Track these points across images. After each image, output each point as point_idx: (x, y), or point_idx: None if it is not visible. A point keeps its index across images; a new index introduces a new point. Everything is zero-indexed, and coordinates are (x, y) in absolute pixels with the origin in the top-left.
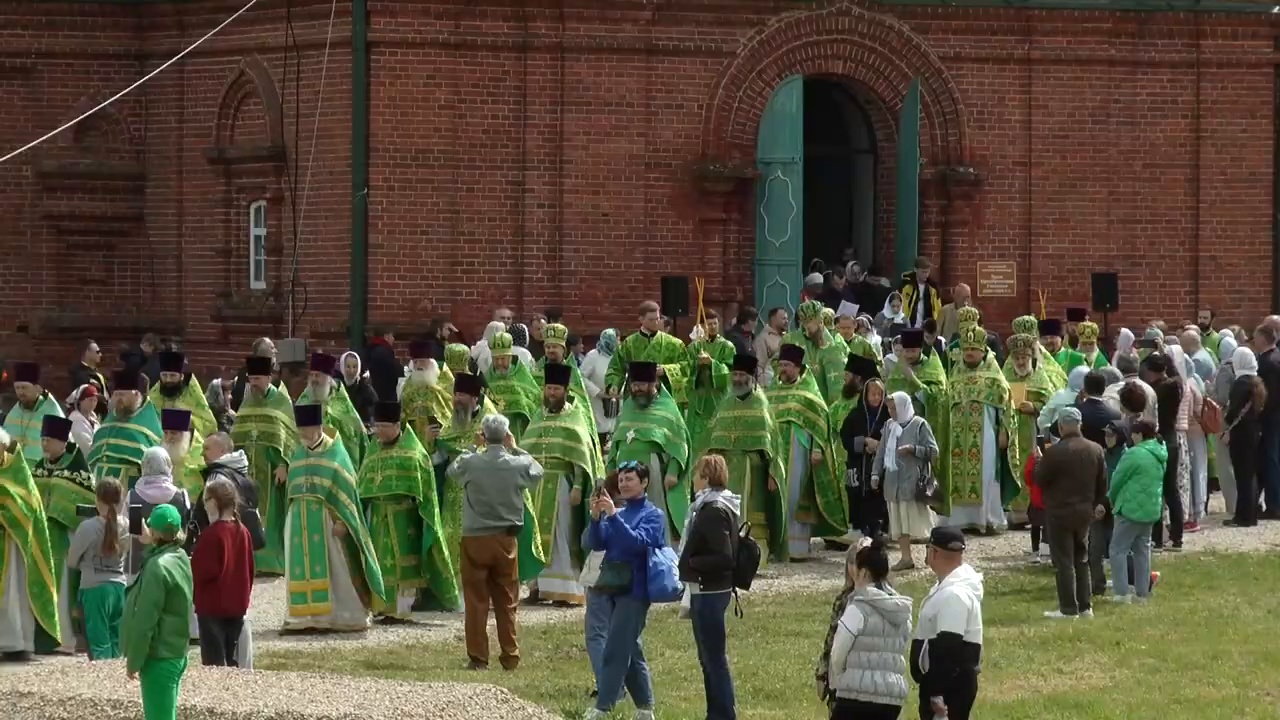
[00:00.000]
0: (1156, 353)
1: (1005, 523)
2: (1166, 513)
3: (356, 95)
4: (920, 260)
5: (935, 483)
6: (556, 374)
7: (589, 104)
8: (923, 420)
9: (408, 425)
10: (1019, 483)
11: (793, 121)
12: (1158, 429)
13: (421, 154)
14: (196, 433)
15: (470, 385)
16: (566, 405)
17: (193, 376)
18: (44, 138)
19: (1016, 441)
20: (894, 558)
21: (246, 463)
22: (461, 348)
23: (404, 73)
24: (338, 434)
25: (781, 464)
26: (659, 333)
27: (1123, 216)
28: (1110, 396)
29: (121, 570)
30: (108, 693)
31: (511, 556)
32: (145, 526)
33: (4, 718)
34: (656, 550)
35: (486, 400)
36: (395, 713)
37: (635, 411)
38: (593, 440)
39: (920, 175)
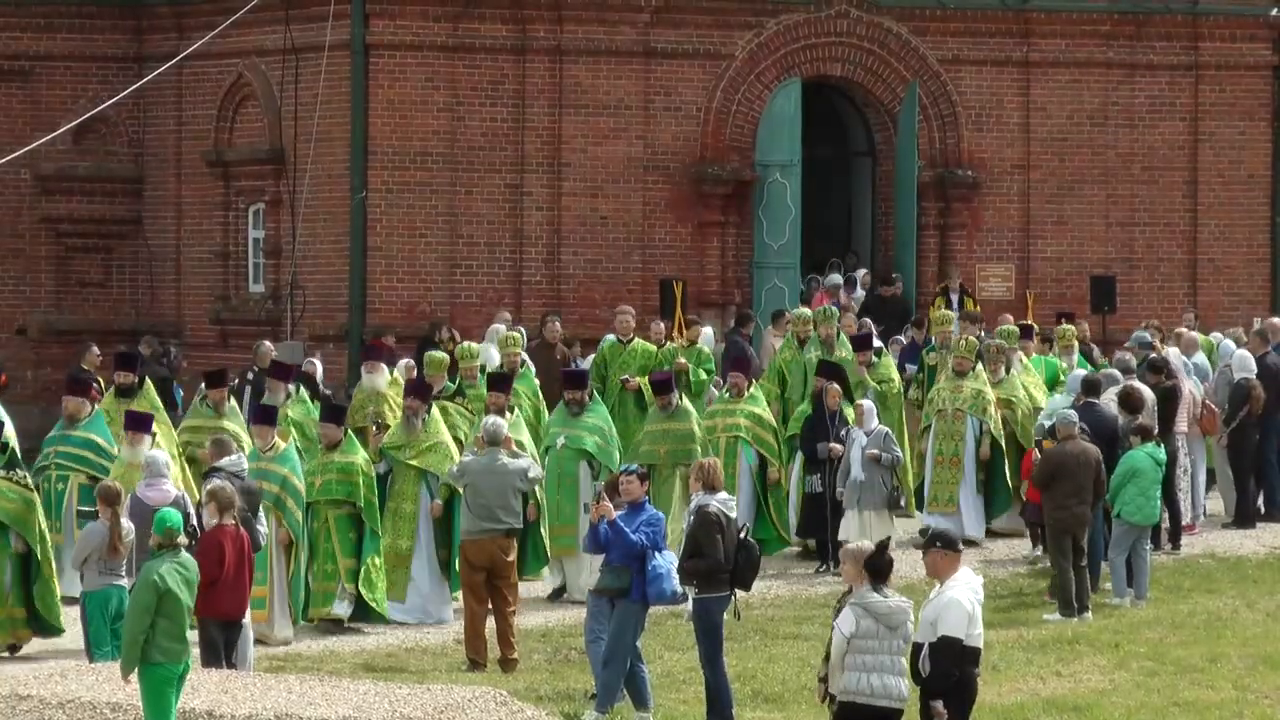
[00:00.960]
0: (1155, 355)
1: (983, 535)
2: (1165, 515)
3: (355, 98)
4: (949, 271)
5: (901, 490)
6: (498, 382)
7: (587, 107)
8: (887, 429)
9: (350, 430)
10: (1013, 490)
11: (791, 124)
12: (1156, 431)
13: (420, 157)
14: (159, 436)
15: (421, 392)
16: (507, 415)
17: (147, 379)
18: (42, 140)
19: (1004, 450)
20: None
21: (246, 465)
22: (441, 355)
23: (402, 75)
24: (291, 438)
25: (777, 464)
26: (635, 339)
27: (1121, 219)
28: (1109, 399)
29: (124, 573)
30: (107, 695)
31: (510, 559)
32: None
33: None
34: (656, 553)
35: (434, 410)
36: (394, 715)
37: (567, 418)
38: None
39: (918, 178)
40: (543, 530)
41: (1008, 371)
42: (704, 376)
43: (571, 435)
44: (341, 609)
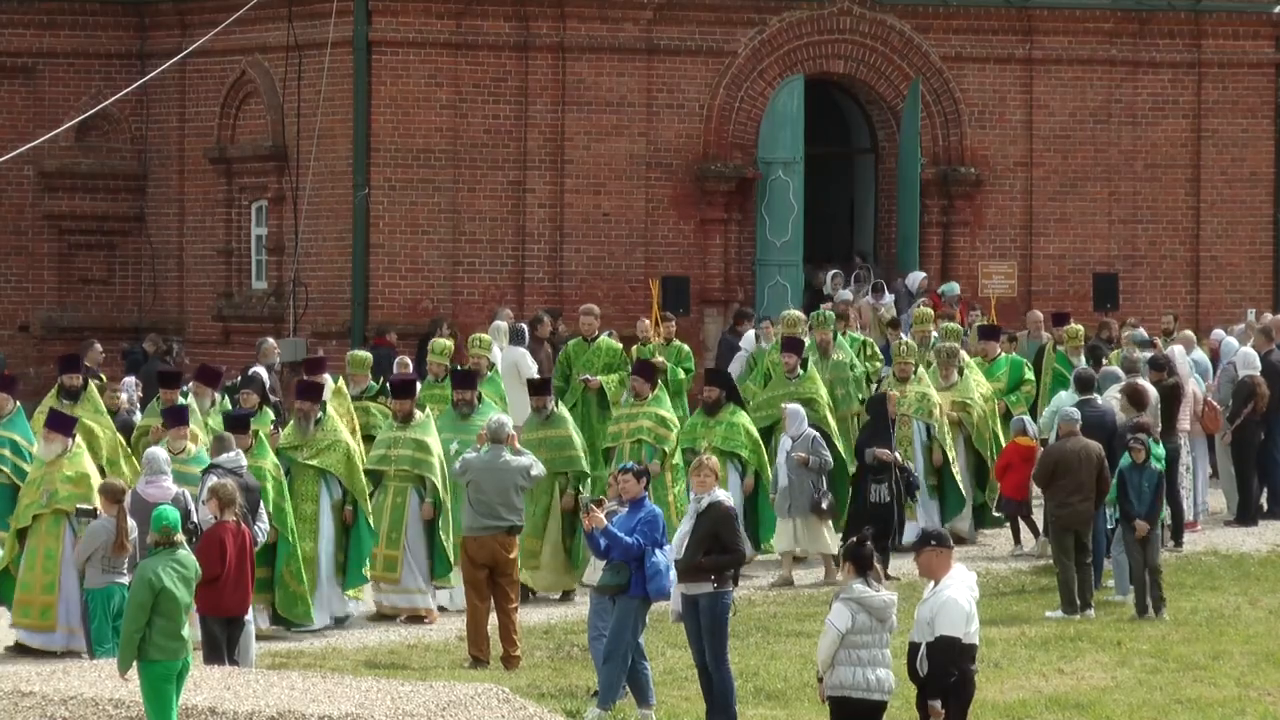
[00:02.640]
0: (1157, 353)
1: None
2: (1168, 513)
3: (358, 95)
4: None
5: (830, 496)
6: (402, 389)
7: (590, 104)
8: (815, 433)
9: (259, 434)
10: (964, 493)
11: (794, 121)
12: (1159, 429)
13: (422, 154)
14: (78, 439)
15: (313, 392)
16: (418, 415)
17: (91, 383)
18: (45, 137)
19: (951, 453)
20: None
21: (245, 462)
22: (364, 355)
23: (405, 72)
24: (200, 440)
25: (769, 468)
26: (600, 337)
27: (1124, 216)
28: (1114, 396)
29: (125, 571)
30: (109, 692)
31: (512, 556)
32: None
33: (6, 717)
34: (655, 550)
35: (329, 410)
36: (397, 712)
37: (457, 422)
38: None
39: (921, 175)
40: (442, 535)
41: (960, 375)
42: (682, 375)
43: (464, 439)
44: (259, 622)
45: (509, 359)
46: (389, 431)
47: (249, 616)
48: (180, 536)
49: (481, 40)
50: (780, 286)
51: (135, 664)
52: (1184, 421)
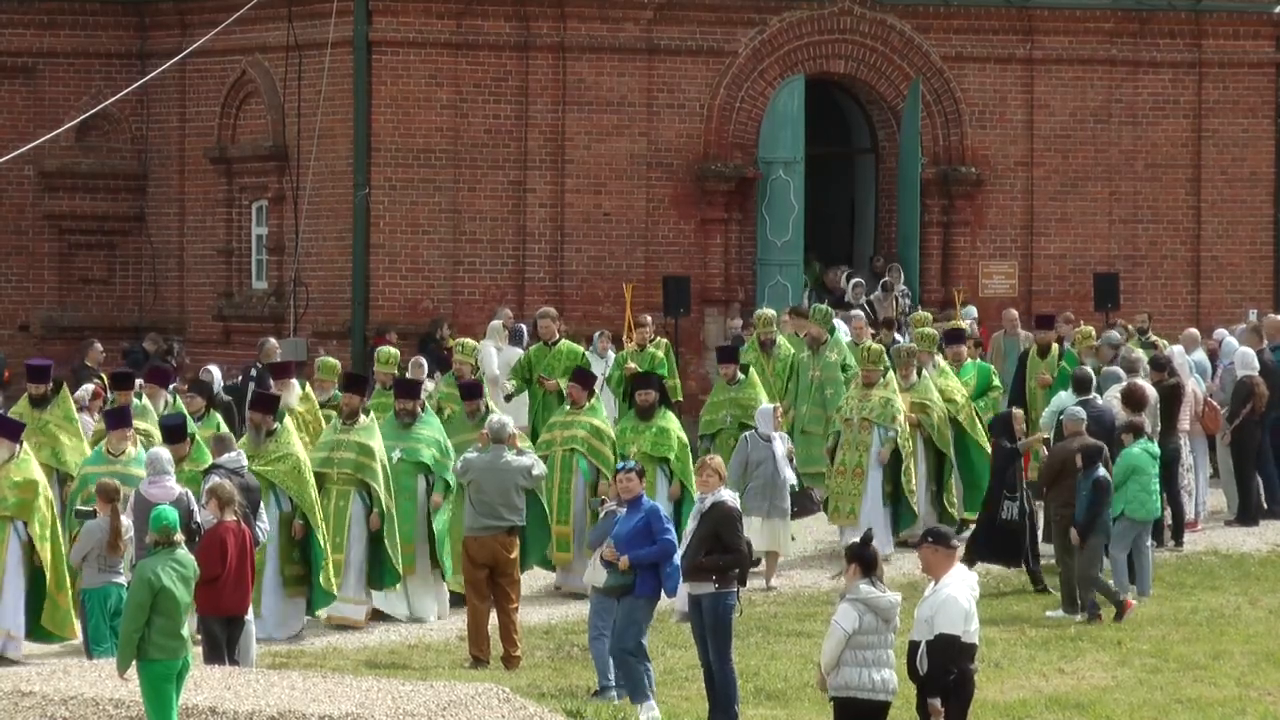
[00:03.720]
0: (1158, 353)
1: (891, 550)
2: (1168, 512)
3: (358, 95)
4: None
5: (816, 490)
6: (352, 383)
7: (590, 104)
8: (785, 434)
9: (198, 439)
10: (915, 509)
11: (794, 121)
12: (1160, 429)
13: (423, 153)
14: (26, 446)
15: (266, 404)
16: (362, 418)
17: (64, 386)
18: (45, 137)
19: (909, 464)
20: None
21: (245, 462)
22: (392, 350)
23: (405, 72)
24: (138, 443)
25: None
26: (561, 341)
27: (1124, 216)
28: (1114, 397)
29: (122, 571)
30: (109, 692)
31: (513, 556)
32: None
33: (6, 717)
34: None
35: (287, 422)
36: (397, 712)
37: (399, 430)
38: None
39: (922, 175)
40: (388, 543)
41: (919, 375)
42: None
43: (407, 448)
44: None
45: (506, 359)
46: (332, 434)
47: (249, 616)
48: (179, 536)
49: (482, 40)
50: (781, 286)
51: (135, 664)
52: (1184, 421)
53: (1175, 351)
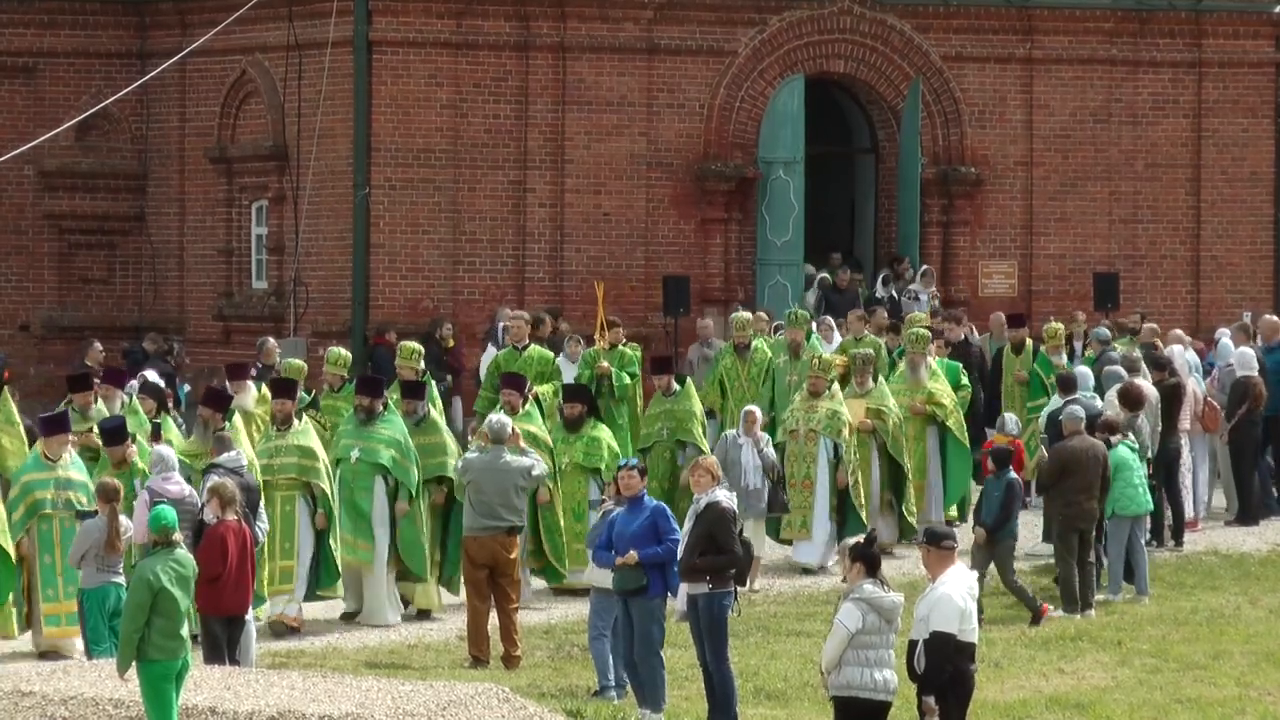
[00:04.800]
0: (1158, 352)
1: (828, 562)
2: (1169, 512)
3: (358, 94)
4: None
5: (786, 493)
6: (281, 389)
7: (590, 103)
8: (765, 435)
9: (141, 441)
10: (863, 519)
11: (794, 121)
12: (1160, 429)
13: (423, 153)
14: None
15: (216, 400)
16: (295, 423)
17: (4, 389)
18: (45, 137)
19: (854, 476)
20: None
21: (245, 462)
22: (341, 352)
23: (405, 72)
24: (70, 446)
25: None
26: (532, 346)
27: (1124, 216)
28: (1114, 396)
29: (120, 570)
30: (109, 692)
31: (512, 556)
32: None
33: (6, 717)
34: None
35: (236, 419)
36: (397, 712)
37: (358, 429)
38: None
39: (922, 175)
40: (332, 544)
41: (875, 381)
42: (627, 381)
43: (366, 448)
44: None
45: None
46: (269, 440)
47: (249, 616)
48: (179, 536)
49: (482, 40)
50: (781, 286)
51: (134, 664)
52: (1184, 421)
53: (1176, 351)
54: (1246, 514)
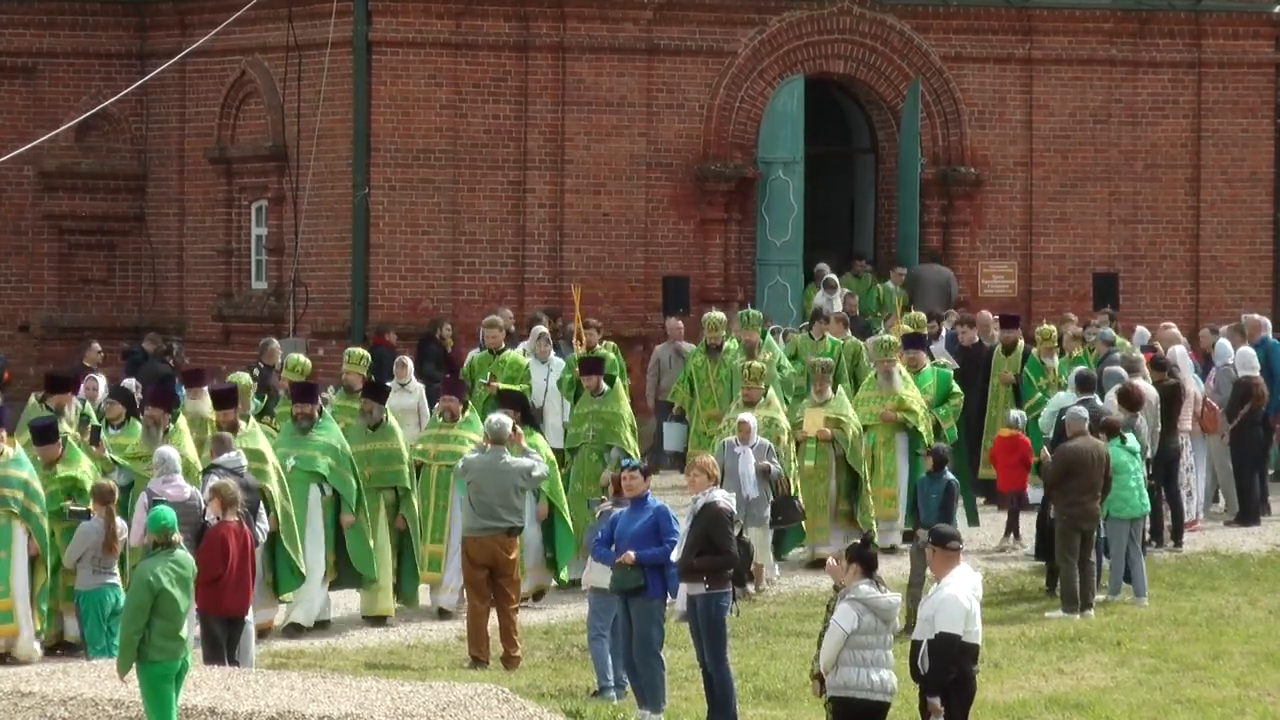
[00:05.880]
0: (1158, 353)
1: (777, 574)
2: (1168, 512)
3: (357, 95)
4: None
5: (797, 499)
6: (222, 399)
7: (590, 104)
8: (768, 442)
9: (70, 441)
10: (803, 526)
11: (794, 121)
12: (1160, 429)
13: (422, 154)
14: None
15: (163, 400)
16: (242, 425)
17: None
18: (45, 137)
19: (795, 483)
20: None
21: (245, 462)
22: (300, 359)
23: (405, 72)
24: (16, 443)
25: (415, 500)
26: (505, 351)
27: (1124, 216)
28: (1114, 396)
29: (116, 572)
30: (109, 692)
31: (512, 557)
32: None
33: (6, 717)
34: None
35: (181, 422)
36: (396, 712)
37: (296, 436)
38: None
39: (921, 175)
40: (287, 547)
41: (834, 391)
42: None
43: (302, 456)
44: (73, 627)
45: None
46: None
47: (249, 616)
48: (178, 536)
49: (481, 40)
50: (780, 286)
51: (134, 665)
52: (1186, 421)
53: (1177, 352)
54: (1247, 514)
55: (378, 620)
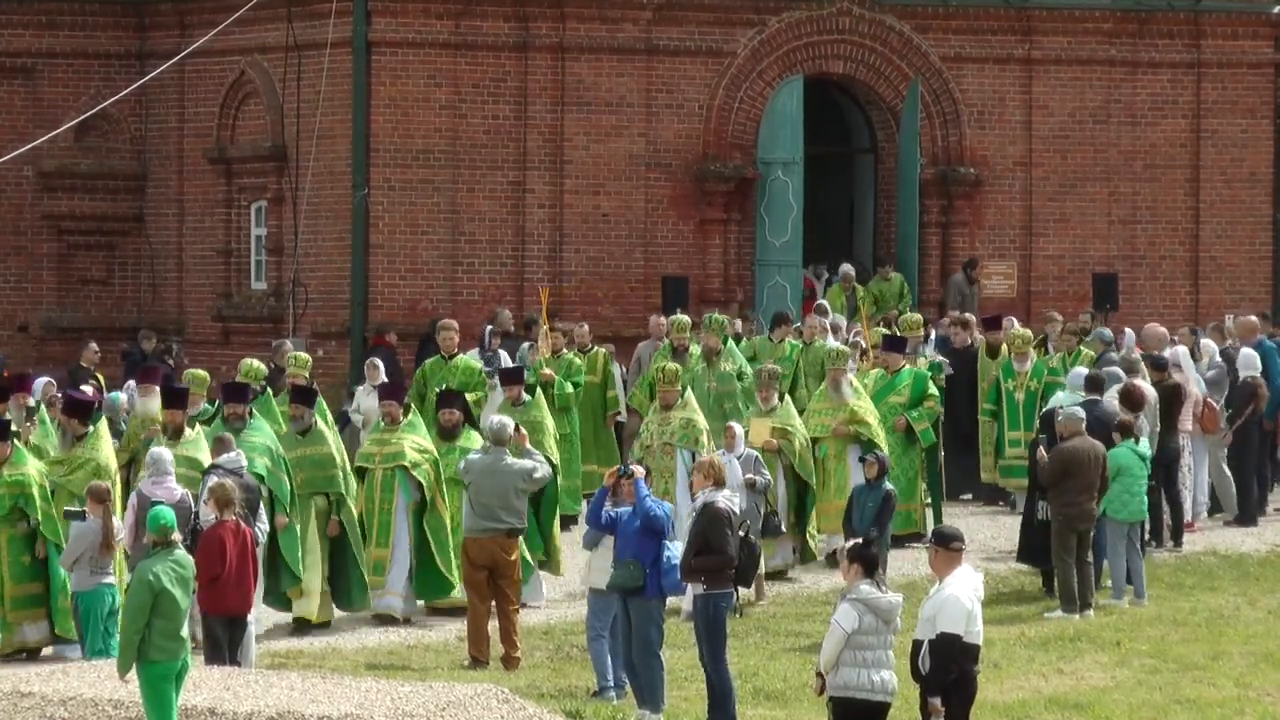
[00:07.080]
0: (1158, 353)
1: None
2: (1168, 512)
3: (357, 95)
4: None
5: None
6: (172, 399)
7: (589, 104)
8: (754, 452)
9: (16, 442)
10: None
11: (793, 121)
12: (1160, 429)
13: (422, 154)
14: None
15: (78, 408)
16: (188, 432)
17: None
18: (44, 138)
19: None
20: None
21: (245, 463)
22: (253, 363)
23: (404, 73)
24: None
25: (351, 505)
26: (458, 356)
27: (1123, 217)
28: (1114, 397)
29: (112, 572)
30: (108, 693)
31: (512, 558)
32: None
33: (6, 717)
34: (668, 544)
35: (101, 424)
36: (396, 712)
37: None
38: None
39: (921, 175)
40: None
41: (780, 400)
42: (570, 390)
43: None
44: (31, 634)
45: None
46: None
47: (250, 617)
48: (177, 536)
49: (481, 40)
50: (780, 286)
51: (134, 665)
52: (1186, 422)
53: (1179, 352)
54: (1246, 515)
55: (302, 623)
